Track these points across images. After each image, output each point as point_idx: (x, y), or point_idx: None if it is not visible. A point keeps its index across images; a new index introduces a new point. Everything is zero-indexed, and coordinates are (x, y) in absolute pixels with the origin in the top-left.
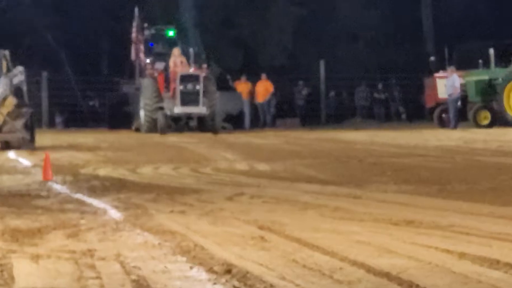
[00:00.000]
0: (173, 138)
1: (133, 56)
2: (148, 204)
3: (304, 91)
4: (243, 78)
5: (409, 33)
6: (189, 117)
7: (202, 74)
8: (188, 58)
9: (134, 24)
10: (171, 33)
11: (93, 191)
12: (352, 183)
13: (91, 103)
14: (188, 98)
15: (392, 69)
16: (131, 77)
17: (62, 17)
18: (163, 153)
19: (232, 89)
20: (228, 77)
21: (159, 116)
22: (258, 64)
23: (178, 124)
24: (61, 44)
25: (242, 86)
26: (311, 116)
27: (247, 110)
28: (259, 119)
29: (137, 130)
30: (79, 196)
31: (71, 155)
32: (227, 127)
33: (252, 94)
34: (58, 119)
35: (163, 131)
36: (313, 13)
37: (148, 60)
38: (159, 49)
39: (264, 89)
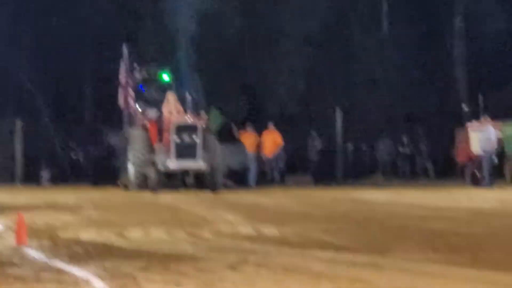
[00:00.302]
0: (166, 197)
1: (121, 102)
2: (137, 273)
3: (318, 144)
4: (249, 129)
5: (439, 77)
6: (185, 172)
7: (201, 123)
8: (184, 105)
9: (122, 64)
10: (165, 76)
11: (74, 258)
12: (372, 250)
13: (73, 156)
14: (184, 151)
15: (419, 119)
16: (119, 126)
17: (40, 56)
18: (155, 214)
19: (235, 141)
20: (234, 126)
21: (151, 171)
22: (266, 112)
23: (172, 180)
24: (38, 87)
25: (247, 138)
26: (325, 173)
27: (252, 165)
28: (266, 176)
29: (125, 187)
30: (58, 263)
31: (49, 216)
32: (229, 184)
33: (258, 146)
34: (45, 175)
35: (155, 189)
36: (328, 54)
37: (138, 107)
38: (151, 94)
39: (272, 141)
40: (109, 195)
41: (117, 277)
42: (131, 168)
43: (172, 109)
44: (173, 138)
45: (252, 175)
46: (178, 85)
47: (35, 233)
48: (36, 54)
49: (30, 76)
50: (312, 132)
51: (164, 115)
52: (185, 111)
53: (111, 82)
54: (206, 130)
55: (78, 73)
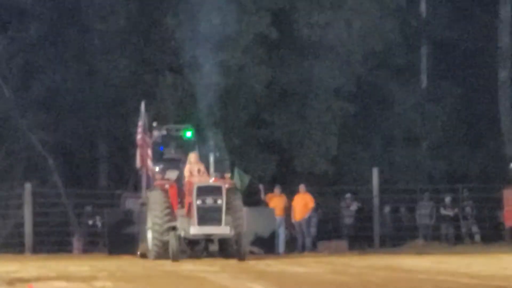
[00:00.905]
0: (188, 266)
1: (138, 163)
2: None
3: (353, 206)
4: (277, 190)
5: (484, 133)
6: (208, 239)
7: (225, 185)
8: (207, 166)
9: (140, 123)
10: (188, 133)
11: None
12: None
13: (90, 221)
14: (208, 216)
15: (463, 179)
16: (136, 189)
17: (50, 114)
18: (176, 285)
19: (262, 204)
20: (261, 187)
21: (171, 238)
22: (295, 172)
23: (195, 248)
24: (48, 148)
25: (276, 200)
26: (361, 237)
27: (281, 231)
28: (296, 242)
29: (143, 256)
30: None
31: None
32: (256, 252)
33: (288, 210)
34: (77, 243)
35: (176, 257)
36: (363, 109)
37: (157, 168)
38: (171, 154)
39: (303, 204)
40: (125, 265)
41: None
42: (149, 235)
43: (193, 170)
44: (195, 201)
45: (281, 242)
46: (200, 144)
47: None
48: (47, 112)
49: (40, 136)
50: (346, 194)
51: (185, 177)
52: (208, 172)
53: (128, 142)
54: (231, 192)
55: (92, 133)
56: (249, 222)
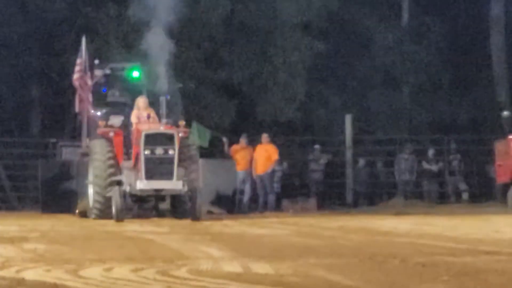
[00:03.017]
0: (134, 227)
1: (77, 107)
2: None
3: (323, 159)
4: (242, 141)
5: (473, 78)
6: (158, 196)
7: (179, 133)
8: (158, 111)
9: (78, 60)
10: (135, 73)
11: None
12: None
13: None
14: (157, 168)
15: (448, 128)
16: (74, 137)
17: None
18: (119, 248)
19: (226, 158)
20: (225, 139)
21: (115, 194)
22: (257, 120)
23: (143, 206)
24: None
25: (242, 153)
26: (332, 196)
27: (247, 187)
28: (257, 199)
29: (83, 215)
30: None
31: None
32: (216, 212)
33: (250, 163)
34: None
35: (120, 217)
36: (336, 48)
37: (99, 113)
38: (115, 97)
39: (266, 156)
40: (61, 225)
41: None
42: (90, 191)
43: (142, 115)
44: (143, 151)
45: (246, 199)
46: (149, 87)
47: None
48: None
49: None
50: (315, 145)
51: (132, 123)
52: (159, 117)
53: (65, 83)
54: (185, 141)
55: (23, 73)
56: (207, 177)
